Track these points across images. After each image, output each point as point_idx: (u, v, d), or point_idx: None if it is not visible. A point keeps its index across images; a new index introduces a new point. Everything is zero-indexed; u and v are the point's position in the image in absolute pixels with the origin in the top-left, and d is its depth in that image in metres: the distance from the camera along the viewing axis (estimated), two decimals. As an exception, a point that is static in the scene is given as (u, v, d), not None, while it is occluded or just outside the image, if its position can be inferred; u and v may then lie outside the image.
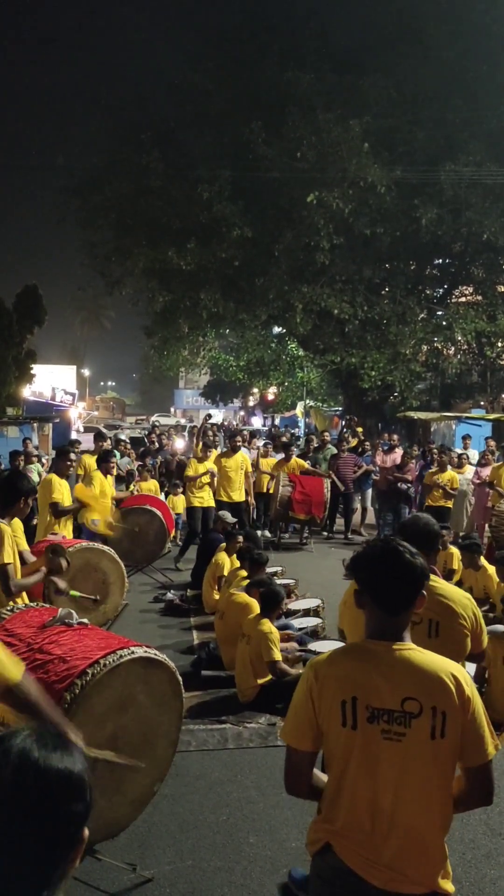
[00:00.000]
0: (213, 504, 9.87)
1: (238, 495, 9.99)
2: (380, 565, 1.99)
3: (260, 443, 14.22)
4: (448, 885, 1.88)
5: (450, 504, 10.91)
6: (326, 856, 1.92)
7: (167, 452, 14.05)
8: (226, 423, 25.53)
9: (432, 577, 2.99)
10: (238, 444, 10.19)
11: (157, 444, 14.63)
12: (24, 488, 3.94)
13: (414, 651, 1.93)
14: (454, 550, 8.10)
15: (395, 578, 1.96)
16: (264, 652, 4.98)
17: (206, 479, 9.72)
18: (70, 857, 1.06)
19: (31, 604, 3.56)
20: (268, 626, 5.10)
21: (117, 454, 10.94)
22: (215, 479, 10.13)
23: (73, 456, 7.36)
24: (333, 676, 1.93)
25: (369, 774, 1.86)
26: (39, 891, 1.02)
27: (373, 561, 2.02)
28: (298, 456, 12.25)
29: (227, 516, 8.81)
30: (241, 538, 7.40)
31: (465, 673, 1.93)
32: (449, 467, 11.26)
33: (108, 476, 8.15)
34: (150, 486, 10.89)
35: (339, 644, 5.34)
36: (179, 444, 11.58)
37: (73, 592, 3.33)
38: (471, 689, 1.89)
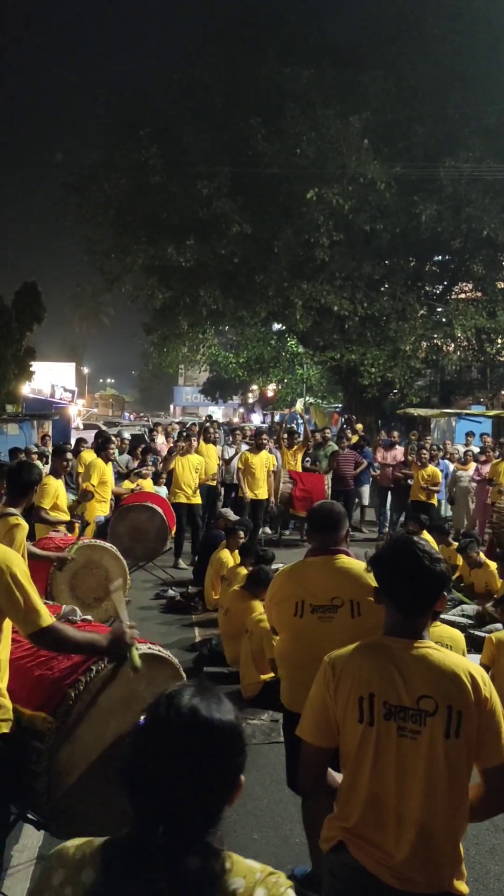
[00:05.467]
0: (199, 501, 9.86)
1: (262, 493, 10.02)
2: (397, 569, 1.96)
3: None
4: (462, 887, 1.86)
5: (434, 500, 10.90)
6: (340, 854, 1.91)
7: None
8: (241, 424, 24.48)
9: (346, 558, 3.00)
10: (263, 442, 10.18)
11: (157, 442, 14.61)
12: (34, 479, 3.97)
13: (432, 649, 1.92)
14: (455, 547, 8.10)
15: (411, 583, 1.93)
16: (266, 648, 4.98)
17: (190, 477, 9.62)
18: (231, 799, 1.20)
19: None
20: (271, 622, 5.10)
21: (116, 451, 10.93)
22: (216, 477, 10.17)
23: (69, 455, 7.35)
24: (351, 672, 1.92)
25: (384, 772, 1.85)
26: (208, 828, 1.16)
27: (390, 563, 1.99)
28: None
29: (230, 513, 8.81)
30: (241, 534, 7.40)
31: (483, 673, 1.91)
32: (445, 462, 11.25)
33: (108, 463, 8.17)
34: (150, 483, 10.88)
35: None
36: None
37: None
38: (489, 689, 1.87)
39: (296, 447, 11.54)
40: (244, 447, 11.83)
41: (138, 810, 1.15)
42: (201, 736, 1.15)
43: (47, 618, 2.47)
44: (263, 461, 10.18)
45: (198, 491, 9.85)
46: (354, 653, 1.98)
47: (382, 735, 1.85)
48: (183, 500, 9.64)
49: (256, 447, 10.19)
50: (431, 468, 10.76)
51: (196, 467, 9.77)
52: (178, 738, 1.14)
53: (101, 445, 8.31)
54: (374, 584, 2.85)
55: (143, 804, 1.14)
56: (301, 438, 11.21)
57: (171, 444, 13.16)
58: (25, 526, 3.85)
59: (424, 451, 10.95)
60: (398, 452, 12.19)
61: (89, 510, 7.76)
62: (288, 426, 15.27)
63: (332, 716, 1.93)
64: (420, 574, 1.92)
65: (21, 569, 2.50)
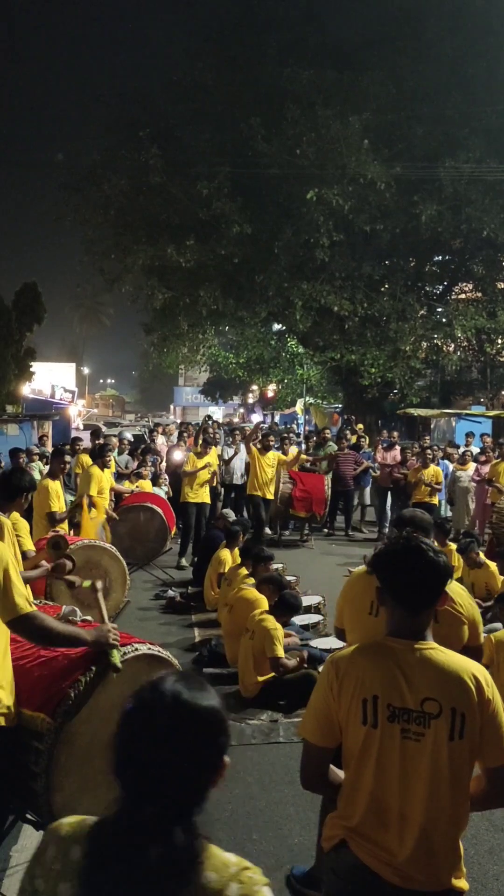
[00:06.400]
0: (208, 500, 9.94)
1: (270, 493, 10.07)
2: (401, 564, 1.97)
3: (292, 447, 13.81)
4: (462, 884, 1.88)
5: (435, 500, 10.93)
6: (342, 852, 1.92)
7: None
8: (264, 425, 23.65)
9: None
10: (271, 443, 10.18)
11: (157, 442, 14.62)
12: (25, 485, 3.94)
13: (435, 651, 1.92)
14: (452, 547, 8.10)
15: (416, 577, 1.94)
16: (267, 648, 4.98)
17: (205, 475, 9.74)
18: (215, 779, 1.25)
19: (35, 601, 3.55)
20: (272, 622, 5.10)
21: (115, 451, 10.93)
22: (215, 476, 10.22)
23: (67, 458, 7.36)
24: (354, 674, 1.92)
25: (387, 773, 1.86)
26: (193, 807, 1.22)
27: (395, 559, 2.00)
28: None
29: (230, 514, 8.82)
30: (242, 535, 7.40)
31: (486, 673, 1.92)
32: (447, 462, 11.24)
33: (106, 469, 8.15)
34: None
35: (339, 642, 5.34)
36: (178, 455, 11.45)
37: (85, 583, 3.31)
38: (492, 690, 1.88)
39: (289, 455, 11.43)
40: (244, 448, 11.83)
41: (126, 790, 1.20)
42: (184, 719, 1.21)
43: (26, 606, 2.48)
44: (271, 461, 10.22)
45: (207, 489, 9.93)
46: (358, 654, 1.98)
47: (386, 737, 1.85)
48: (193, 499, 9.68)
49: (264, 448, 10.16)
50: (433, 468, 10.81)
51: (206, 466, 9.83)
52: (162, 721, 1.20)
53: (99, 453, 8.25)
54: (457, 595, 2.86)
55: (131, 784, 1.20)
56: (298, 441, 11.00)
57: (170, 445, 13.18)
58: (7, 522, 3.78)
59: (429, 452, 10.95)
60: (397, 453, 12.20)
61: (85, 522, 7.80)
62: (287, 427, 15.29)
63: (335, 716, 1.93)
64: (423, 565, 1.93)
65: (10, 557, 2.52)
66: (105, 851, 1.18)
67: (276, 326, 22.98)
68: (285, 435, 14.94)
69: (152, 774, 1.18)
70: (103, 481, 7.88)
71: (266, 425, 27.82)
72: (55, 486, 6.70)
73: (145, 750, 1.19)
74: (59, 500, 6.70)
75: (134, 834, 1.16)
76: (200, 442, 10.20)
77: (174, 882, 1.15)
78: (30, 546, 4.51)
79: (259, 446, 10.20)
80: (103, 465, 8.02)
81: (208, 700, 1.25)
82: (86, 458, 9.32)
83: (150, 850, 1.15)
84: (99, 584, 3.29)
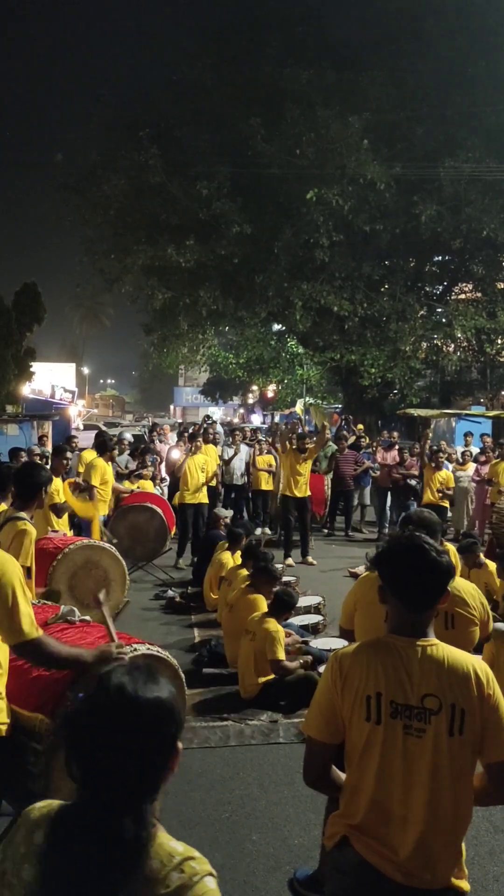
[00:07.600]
0: (206, 501, 9.91)
1: (302, 491, 10.04)
2: (404, 562, 1.97)
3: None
4: (464, 884, 1.88)
5: (446, 503, 10.88)
6: (344, 849, 1.92)
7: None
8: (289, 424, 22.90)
9: None
10: (307, 445, 10.12)
11: (156, 442, 14.60)
12: (43, 479, 3.87)
13: (436, 647, 1.93)
14: (451, 547, 8.07)
15: (419, 576, 1.94)
16: (269, 650, 4.97)
17: (199, 476, 9.67)
18: (168, 765, 1.27)
19: (33, 601, 3.54)
20: (273, 624, 5.09)
21: (115, 451, 10.90)
22: (216, 477, 10.19)
23: (69, 454, 7.38)
24: (358, 671, 1.93)
25: (389, 770, 1.86)
26: (145, 796, 1.24)
27: (397, 557, 2.00)
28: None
29: (224, 512, 8.83)
30: (244, 537, 7.39)
31: (487, 669, 1.93)
32: (447, 464, 11.22)
33: (110, 463, 8.18)
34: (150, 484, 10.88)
35: (340, 641, 5.33)
36: (175, 454, 11.40)
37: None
38: (492, 685, 1.89)
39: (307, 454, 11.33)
40: (244, 448, 11.83)
41: (77, 781, 1.24)
42: (127, 712, 1.24)
43: (33, 631, 2.45)
44: (308, 467, 10.21)
45: (205, 490, 9.91)
46: (361, 652, 1.98)
47: (389, 733, 1.86)
48: (189, 500, 9.66)
49: (300, 451, 10.05)
50: (445, 472, 10.77)
51: (202, 467, 9.80)
52: (107, 714, 1.24)
53: (103, 445, 8.27)
54: (469, 597, 2.94)
55: (82, 775, 1.23)
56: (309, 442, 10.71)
57: (169, 445, 13.16)
58: (33, 532, 3.63)
59: (442, 455, 10.90)
60: (398, 453, 12.19)
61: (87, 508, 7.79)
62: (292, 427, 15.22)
63: (339, 713, 1.94)
64: (427, 565, 1.94)
65: (18, 577, 2.47)
66: (61, 837, 1.22)
67: (276, 326, 22.96)
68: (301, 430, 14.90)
69: (100, 767, 1.21)
70: (107, 473, 7.91)
71: (267, 426, 27.80)
72: (56, 482, 6.78)
73: (92, 742, 1.22)
74: (59, 495, 6.79)
75: (85, 823, 1.21)
76: (195, 439, 10.19)
77: (119, 872, 1.17)
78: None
79: (294, 447, 10.06)
80: (109, 459, 8.07)
81: (154, 692, 1.27)
82: (88, 454, 9.34)
83: (98, 839, 1.18)
84: (102, 596, 3.22)
